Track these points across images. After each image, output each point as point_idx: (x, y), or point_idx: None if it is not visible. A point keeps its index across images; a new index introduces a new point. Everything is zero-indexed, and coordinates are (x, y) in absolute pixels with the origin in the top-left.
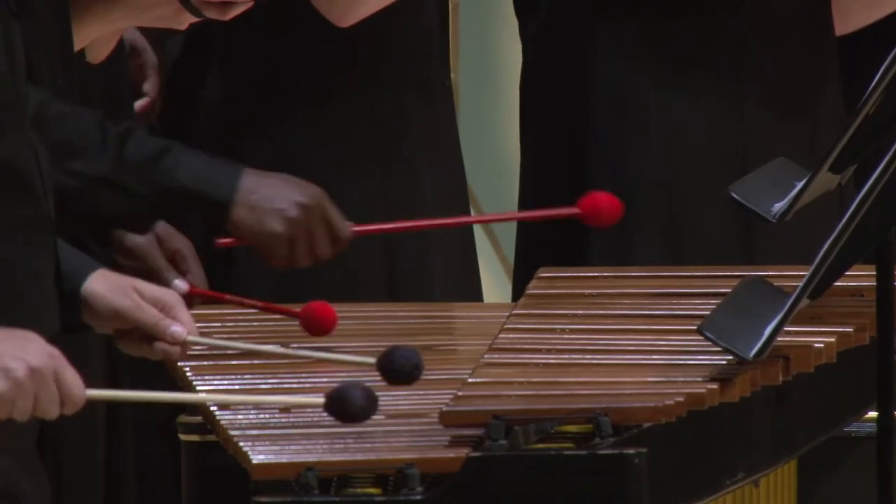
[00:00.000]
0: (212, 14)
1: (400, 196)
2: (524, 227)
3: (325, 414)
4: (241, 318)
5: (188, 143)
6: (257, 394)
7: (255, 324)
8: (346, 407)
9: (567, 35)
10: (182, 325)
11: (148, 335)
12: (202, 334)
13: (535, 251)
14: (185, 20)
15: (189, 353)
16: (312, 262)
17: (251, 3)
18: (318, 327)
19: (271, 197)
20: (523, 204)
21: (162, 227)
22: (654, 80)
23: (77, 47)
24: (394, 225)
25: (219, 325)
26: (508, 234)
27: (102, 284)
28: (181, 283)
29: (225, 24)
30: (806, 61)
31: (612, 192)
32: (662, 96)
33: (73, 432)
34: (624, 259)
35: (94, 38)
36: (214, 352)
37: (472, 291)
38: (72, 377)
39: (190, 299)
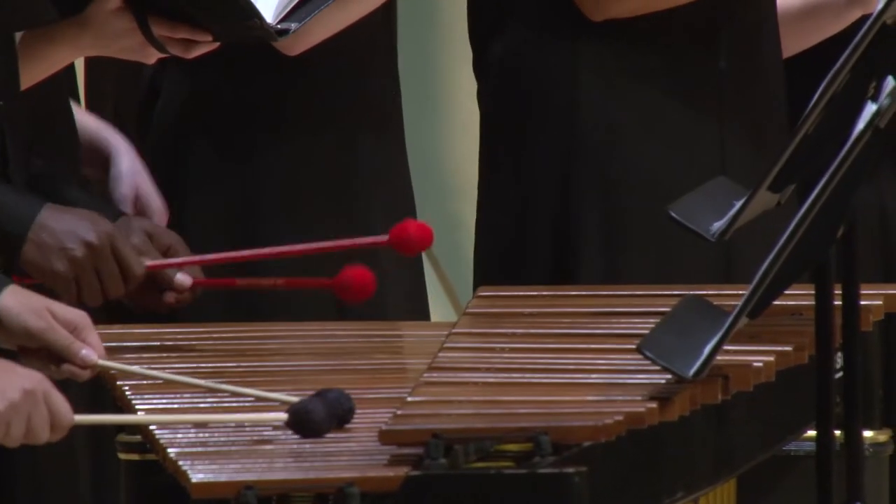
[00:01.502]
0: (175, 51)
1: (351, 228)
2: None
3: (264, 433)
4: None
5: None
6: (201, 412)
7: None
8: (309, 423)
9: (548, 53)
10: (92, 349)
11: (56, 356)
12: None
13: (521, 273)
14: (152, 54)
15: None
16: (102, 301)
17: (216, 45)
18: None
19: (59, 235)
20: (482, 226)
21: (149, 224)
22: (640, 103)
23: (48, 73)
24: (190, 259)
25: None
26: (449, 255)
27: (16, 301)
28: (184, 277)
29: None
30: (782, 94)
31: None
32: (647, 124)
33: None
34: (614, 280)
35: (63, 64)
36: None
37: (421, 312)
38: (60, 400)
39: (195, 290)
